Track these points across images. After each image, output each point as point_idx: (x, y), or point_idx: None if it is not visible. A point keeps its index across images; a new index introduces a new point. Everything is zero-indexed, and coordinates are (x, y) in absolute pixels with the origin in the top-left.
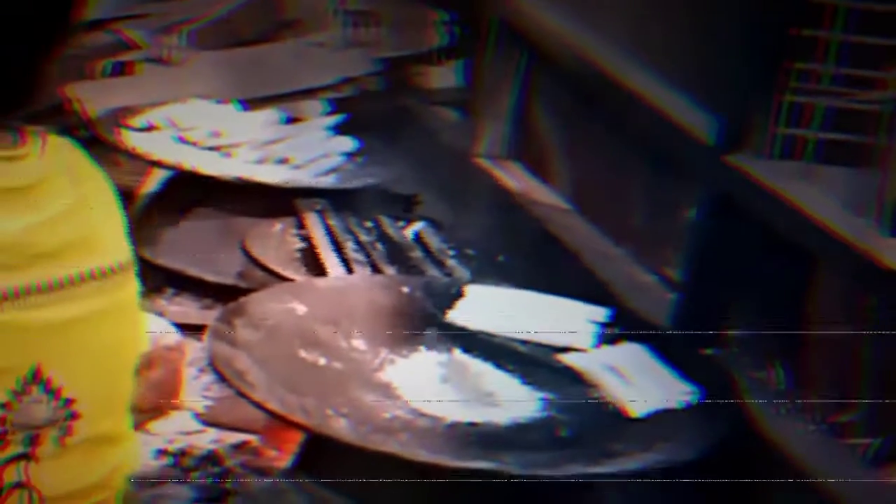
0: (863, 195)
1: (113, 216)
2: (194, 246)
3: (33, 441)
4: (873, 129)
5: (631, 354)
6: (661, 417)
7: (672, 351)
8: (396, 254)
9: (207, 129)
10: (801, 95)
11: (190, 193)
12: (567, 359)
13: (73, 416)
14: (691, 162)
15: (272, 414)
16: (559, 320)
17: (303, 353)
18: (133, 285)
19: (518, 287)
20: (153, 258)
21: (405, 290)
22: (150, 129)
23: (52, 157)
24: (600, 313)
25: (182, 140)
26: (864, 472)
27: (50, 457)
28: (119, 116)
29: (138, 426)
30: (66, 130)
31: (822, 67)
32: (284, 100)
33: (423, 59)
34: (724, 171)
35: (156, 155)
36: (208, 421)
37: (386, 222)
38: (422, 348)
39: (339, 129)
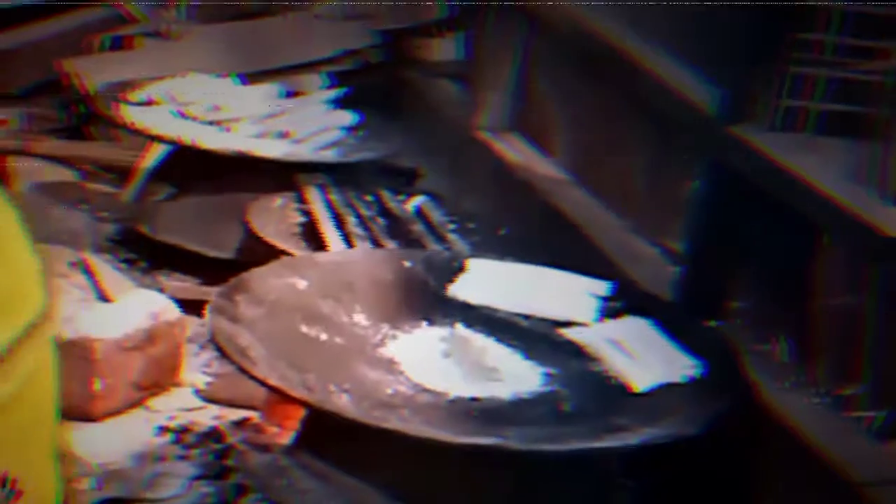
0: (865, 165)
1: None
2: (194, 221)
3: None
4: (875, 100)
5: (634, 328)
6: (664, 391)
7: (675, 324)
8: (397, 228)
9: (207, 104)
10: (804, 66)
11: (189, 168)
12: (569, 333)
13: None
14: (694, 133)
15: (274, 390)
16: (561, 294)
17: (304, 329)
18: (40, 349)
19: (520, 260)
20: (153, 234)
21: (406, 264)
22: (149, 103)
23: None
24: (602, 287)
25: (181, 114)
26: (868, 445)
27: None
28: (118, 91)
29: (139, 403)
30: (65, 106)
31: (824, 38)
32: (284, 74)
33: (423, 32)
34: (727, 142)
35: (155, 129)
36: (209, 397)
37: (387, 196)
38: (424, 323)
39: (339, 103)
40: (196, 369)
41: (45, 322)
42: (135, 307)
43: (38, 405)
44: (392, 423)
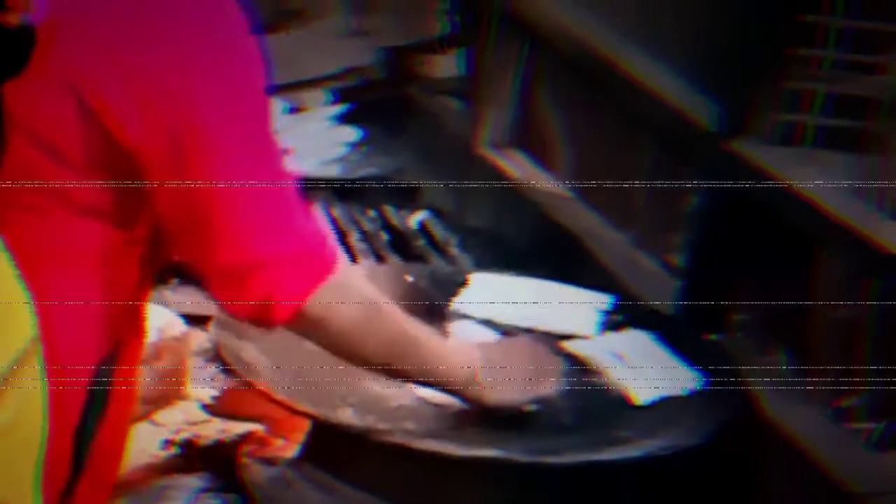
0: (864, 180)
1: None
2: None
3: None
4: (874, 115)
5: (634, 341)
6: (665, 404)
7: (676, 337)
8: (400, 243)
9: None
10: (802, 81)
11: None
12: (571, 346)
13: None
14: (693, 148)
15: (279, 403)
16: (563, 307)
17: (309, 343)
18: (31, 376)
19: (522, 275)
20: None
21: (409, 278)
22: None
23: None
24: (604, 300)
25: None
26: (868, 457)
27: None
28: None
29: (145, 416)
30: None
31: (822, 53)
32: (287, 90)
33: (425, 48)
34: (726, 156)
35: None
36: (215, 411)
37: (390, 211)
38: None
39: (342, 119)
40: (201, 383)
41: (33, 349)
42: None
43: (28, 431)
44: (396, 435)
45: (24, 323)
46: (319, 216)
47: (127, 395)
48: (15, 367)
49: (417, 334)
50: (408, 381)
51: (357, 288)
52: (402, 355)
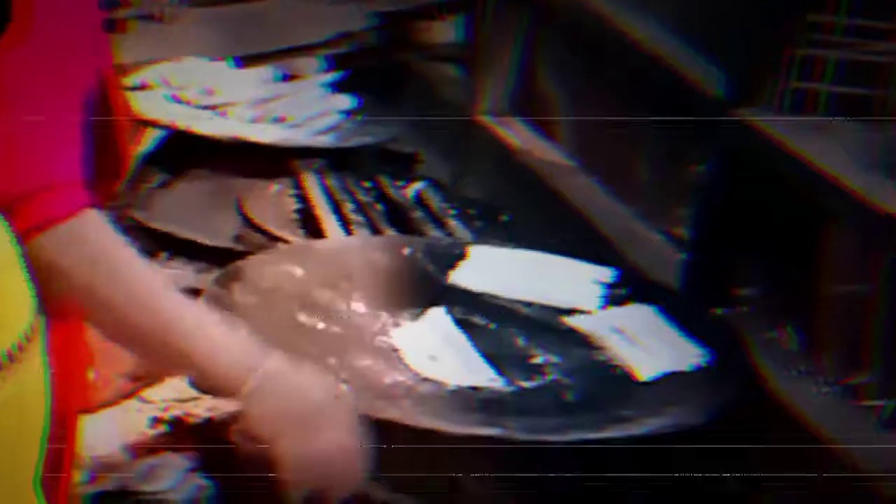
0: (875, 149)
1: None
2: (189, 208)
3: None
4: (885, 82)
5: (638, 316)
6: (669, 380)
7: (681, 312)
8: (397, 214)
9: (201, 88)
10: (813, 48)
11: (184, 154)
12: (573, 321)
13: None
14: (700, 116)
15: None
16: (564, 281)
17: (301, 318)
18: (28, 372)
19: (522, 247)
20: (147, 221)
21: (406, 251)
22: (142, 87)
23: None
24: (607, 274)
25: (175, 99)
26: (877, 434)
27: None
28: None
29: (133, 393)
30: None
31: (833, 19)
32: (280, 57)
33: (422, 14)
34: (734, 125)
35: (149, 114)
36: None
37: (386, 182)
38: (424, 311)
39: (336, 87)
40: None
41: (32, 343)
42: None
43: (25, 430)
44: (392, 413)
45: (21, 315)
46: (84, 161)
47: (65, 387)
48: (4, 363)
49: (175, 307)
50: (156, 364)
51: (98, 242)
52: (148, 332)
